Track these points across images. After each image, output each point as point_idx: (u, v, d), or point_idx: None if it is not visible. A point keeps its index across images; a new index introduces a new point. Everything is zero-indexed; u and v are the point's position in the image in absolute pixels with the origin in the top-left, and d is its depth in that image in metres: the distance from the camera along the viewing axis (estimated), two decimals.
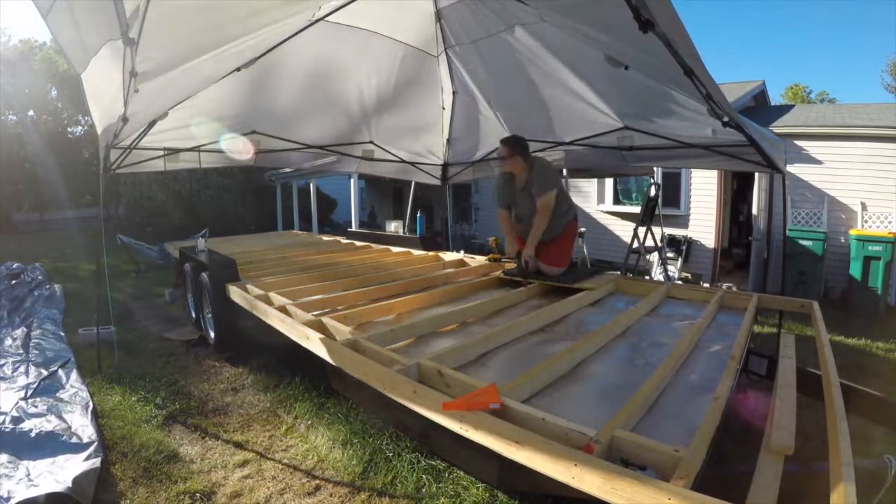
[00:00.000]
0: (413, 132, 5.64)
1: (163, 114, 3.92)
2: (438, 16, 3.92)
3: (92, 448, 2.70)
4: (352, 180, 11.54)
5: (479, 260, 4.96)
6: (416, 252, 5.70)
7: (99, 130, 3.47)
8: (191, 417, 3.28)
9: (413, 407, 1.87)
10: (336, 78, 4.54)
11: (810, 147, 7.37)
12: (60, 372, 3.77)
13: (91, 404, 3.26)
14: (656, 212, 6.76)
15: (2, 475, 2.43)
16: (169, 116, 3.99)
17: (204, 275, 4.25)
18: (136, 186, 14.08)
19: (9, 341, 4.49)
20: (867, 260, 6.34)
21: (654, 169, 7.52)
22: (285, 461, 2.78)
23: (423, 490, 2.46)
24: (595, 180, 9.27)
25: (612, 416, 1.66)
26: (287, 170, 10.86)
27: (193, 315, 5.02)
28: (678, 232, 8.39)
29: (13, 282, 6.62)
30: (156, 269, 8.81)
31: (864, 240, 6.38)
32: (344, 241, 7.04)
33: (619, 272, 5.41)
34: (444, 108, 5.21)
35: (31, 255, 9.40)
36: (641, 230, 6.53)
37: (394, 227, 10.44)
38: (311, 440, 2.98)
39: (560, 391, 2.08)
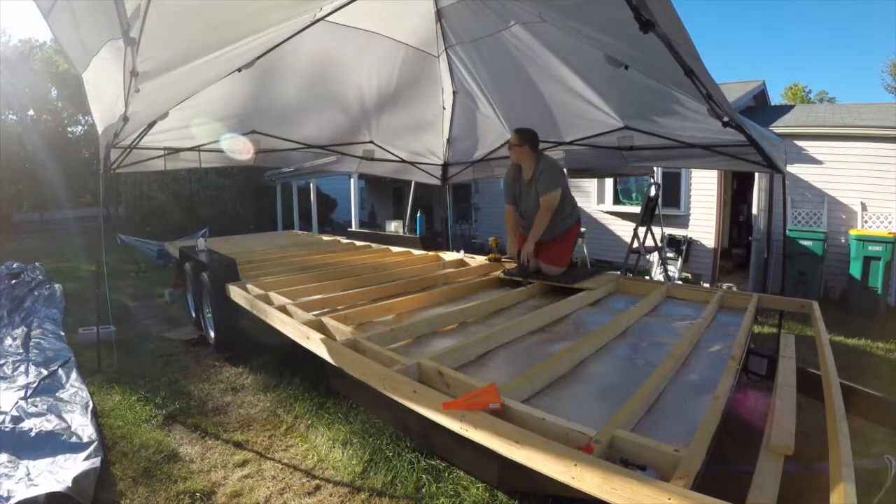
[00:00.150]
0: (413, 132, 5.64)
1: (163, 114, 3.92)
2: (439, 15, 3.92)
3: (92, 448, 2.70)
4: (352, 180, 11.54)
5: (479, 260, 4.96)
6: (416, 252, 5.70)
7: (99, 130, 3.47)
8: (191, 417, 3.28)
9: (413, 407, 1.86)
10: (336, 78, 4.54)
11: (810, 147, 7.37)
12: (60, 371, 3.77)
13: (91, 404, 3.26)
14: (656, 212, 6.76)
15: (2, 475, 2.43)
16: (169, 116, 3.99)
17: (204, 274, 4.25)
18: (136, 186, 14.09)
19: (9, 341, 4.49)
20: (867, 260, 6.34)
21: (654, 169, 7.52)
22: (285, 461, 2.78)
23: (423, 490, 2.46)
24: (595, 180, 9.27)
25: (612, 416, 1.66)
26: (287, 170, 10.86)
27: (193, 315, 5.02)
28: (678, 232, 8.39)
29: (13, 281, 6.62)
30: (156, 268, 8.81)
31: (864, 240, 6.38)
32: (344, 240, 7.05)
33: (619, 272, 5.41)
34: (444, 108, 5.21)
35: (31, 255, 9.40)
36: (641, 230, 6.53)
37: (394, 227, 10.44)
38: (311, 440, 2.99)
39: (560, 391, 2.08)
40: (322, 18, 3.53)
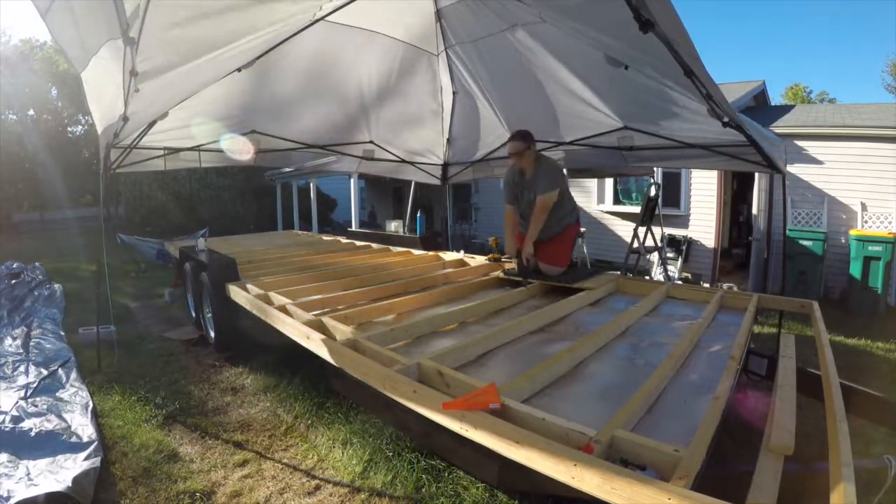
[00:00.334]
0: (413, 132, 5.63)
1: (163, 113, 3.92)
2: (438, 15, 3.92)
3: (92, 447, 2.70)
4: (352, 180, 11.54)
5: (479, 260, 4.96)
6: (416, 252, 5.70)
7: (99, 130, 3.47)
8: (191, 417, 3.28)
9: (413, 407, 1.86)
10: (336, 78, 4.54)
11: (810, 147, 7.36)
12: (60, 371, 3.77)
13: (91, 404, 3.26)
14: (656, 212, 6.76)
15: (2, 474, 2.43)
16: (169, 116, 3.99)
17: (204, 274, 4.25)
18: (136, 186, 14.09)
19: (9, 341, 4.49)
20: (867, 260, 6.34)
21: (654, 169, 7.52)
22: (285, 461, 2.78)
23: (423, 490, 2.46)
24: (595, 180, 9.27)
25: (612, 416, 1.66)
26: (287, 170, 10.86)
27: (193, 315, 5.02)
28: (678, 232, 8.39)
29: (13, 281, 6.62)
30: (156, 268, 8.81)
31: (864, 240, 6.38)
32: (344, 240, 7.04)
33: (619, 272, 5.41)
34: (444, 108, 5.21)
35: (31, 255, 9.40)
36: (641, 230, 6.53)
37: (394, 226, 10.45)
38: (311, 440, 2.99)
39: (560, 391, 2.08)
40: (322, 18, 3.53)
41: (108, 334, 4.45)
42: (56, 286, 6.67)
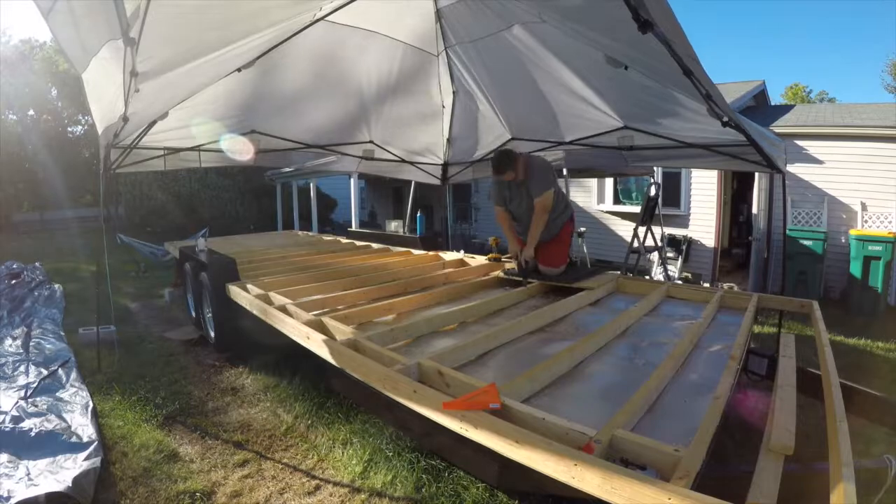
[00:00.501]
0: (413, 132, 5.63)
1: (163, 113, 3.92)
2: (438, 15, 3.91)
3: (92, 447, 2.70)
4: (352, 180, 11.53)
5: (479, 260, 4.96)
6: (416, 252, 5.70)
7: (99, 130, 3.47)
8: (191, 417, 3.28)
9: (413, 407, 1.87)
10: (336, 78, 4.54)
11: (810, 147, 7.36)
12: (60, 371, 3.77)
13: (91, 404, 3.26)
14: (656, 211, 6.76)
15: (2, 475, 2.43)
16: (169, 116, 3.99)
17: (204, 274, 4.26)
18: (135, 186, 14.07)
19: (9, 341, 4.49)
20: (867, 260, 6.34)
21: (654, 169, 7.52)
22: (285, 461, 2.78)
23: (423, 490, 2.46)
24: (595, 179, 9.27)
25: (612, 415, 1.67)
26: (287, 170, 10.85)
27: (193, 315, 5.02)
28: (678, 232, 8.39)
29: (13, 282, 6.62)
30: (156, 269, 8.81)
31: (864, 240, 6.38)
32: (344, 240, 7.05)
33: (619, 272, 5.41)
34: (444, 108, 5.21)
35: (31, 255, 9.40)
36: (641, 230, 6.53)
37: (394, 226, 10.45)
38: (311, 440, 2.99)
39: (560, 391, 2.08)
40: (322, 18, 3.53)
41: (108, 334, 4.45)
42: (56, 286, 6.67)
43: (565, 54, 3.61)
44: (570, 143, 4.84)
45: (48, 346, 4.37)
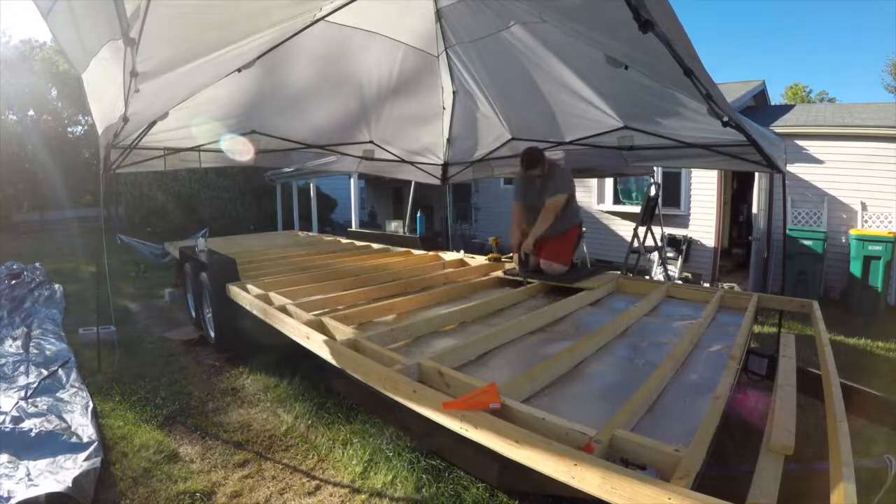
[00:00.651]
0: (413, 132, 5.64)
1: (163, 114, 3.92)
2: (439, 15, 3.91)
3: (92, 448, 2.70)
4: (352, 180, 11.53)
5: (479, 260, 4.96)
6: (416, 252, 5.70)
7: (99, 130, 3.47)
8: (191, 417, 3.28)
9: (413, 407, 1.87)
10: (336, 78, 4.54)
11: (810, 147, 7.36)
12: (60, 372, 3.77)
13: (91, 404, 3.26)
14: (656, 211, 6.76)
15: (2, 475, 2.43)
16: (169, 116, 3.99)
17: (204, 274, 4.26)
18: (135, 186, 14.07)
19: (9, 341, 4.49)
20: (867, 259, 6.34)
21: (655, 169, 7.52)
22: (285, 461, 2.78)
23: (423, 490, 2.46)
24: (595, 179, 9.27)
25: (612, 415, 1.67)
26: (287, 170, 10.85)
27: (193, 315, 5.02)
28: (678, 232, 8.39)
29: (13, 282, 6.62)
30: (156, 269, 8.81)
31: (865, 239, 6.38)
32: (344, 240, 7.05)
33: (619, 272, 5.41)
34: (444, 108, 5.21)
35: (31, 256, 9.41)
36: (641, 230, 6.53)
37: (394, 227, 10.44)
38: (311, 440, 2.99)
39: (560, 391, 2.08)
40: (322, 18, 3.53)
41: (108, 335, 4.45)
42: (56, 287, 6.67)
43: (565, 54, 3.61)
44: (570, 143, 4.84)
45: (48, 346, 4.37)
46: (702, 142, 3.90)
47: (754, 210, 7.88)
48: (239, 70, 3.60)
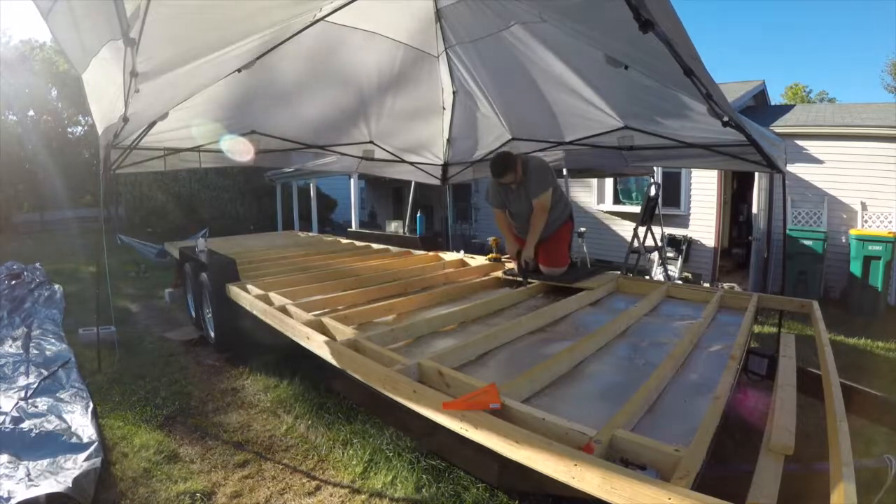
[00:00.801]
0: (413, 132, 5.64)
1: (163, 114, 3.92)
2: (438, 15, 3.92)
3: (92, 448, 2.70)
4: (352, 180, 11.54)
5: (479, 260, 4.96)
6: (416, 252, 5.70)
7: (99, 130, 3.47)
8: (191, 417, 3.28)
9: (413, 407, 1.87)
10: (336, 78, 4.54)
11: (811, 147, 7.36)
12: (60, 372, 3.77)
13: (91, 404, 3.26)
14: (656, 211, 6.76)
15: (2, 475, 2.43)
16: (169, 116, 4.00)
17: (204, 275, 4.26)
18: (135, 187, 14.08)
19: (9, 341, 4.49)
20: (867, 259, 6.34)
21: (655, 169, 7.52)
22: (285, 461, 2.78)
23: (423, 490, 2.46)
24: (595, 179, 9.27)
25: (612, 416, 1.67)
26: (287, 170, 10.86)
27: (193, 315, 5.02)
28: (678, 232, 8.39)
29: (13, 282, 6.62)
30: (156, 269, 8.81)
31: (865, 239, 6.38)
32: (344, 241, 7.05)
33: (619, 272, 5.41)
34: (444, 108, 5.21)
35: (31, 256, 9.41)
36: (641, 230, 6.53)
37: (394, 227, 10.44)
38: (311, 440, 2.99)
39: (560, 391, 2.08)
40: (322, 19, 3.53)
41: (108, 335, 4.45)
42: (56, 287, 6.67)
43: (565, 54, 3.62)
44: (571, 143, 4.84)
45: (48, 346, 4.37)
46: (702, 142, 3.90)
47: (754, 210, 7.88)
48: (239, 70, 3.61)
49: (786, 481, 1.40)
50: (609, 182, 9.29)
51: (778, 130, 7.25)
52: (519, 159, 3.69)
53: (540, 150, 5.09)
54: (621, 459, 1.47)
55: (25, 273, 7.10)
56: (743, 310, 3.15)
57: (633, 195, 9.24)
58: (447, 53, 4.41)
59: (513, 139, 5.25)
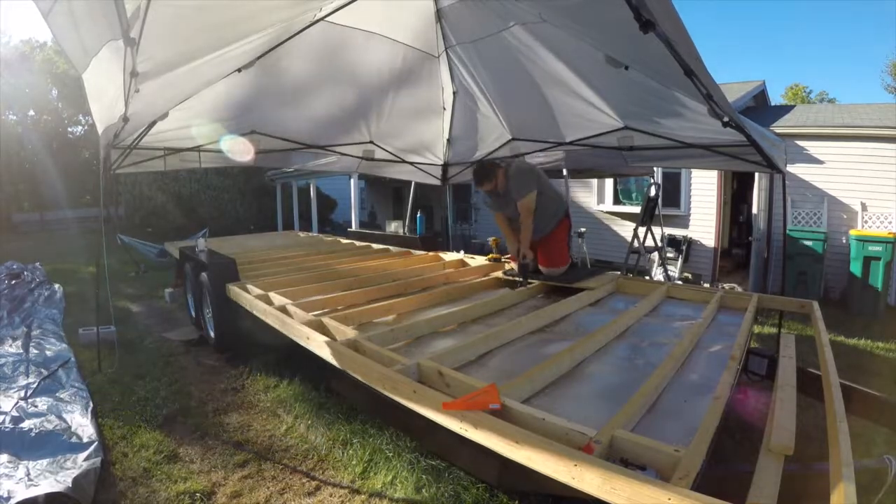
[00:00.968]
0: (413, 132, 5.63)
1: (163, 114, 3.92)
2: (439, 15, 3.91)
3: (92, 448, 2.70)
4: (352, 180, 11.54)
5: (479, 260, 4.96)
6: (416, 252, 5.71)
7: (99, 130, 3.47)
8: (191, 417, 3.28)
9: (413, 407, 1.87)
10: (335, 78, 4.54)
11: (811, 147, 7.36)
12: (60, 372, 3.77)
13: (91, 404, 3.26)
14: (656, 212, 6.76)
15: (2, 475, 2.43)
16: (169, 116, 3.99)
17: (204, 274, 4.26)
18: (135, 187, 14.08)
19: (9, 341, 4.49)
20: (867, 260, 6.34)
21: (654, 169, 7.52)
22: (285, 461, 2.78)
23: (423, 491, 2.46)
24: (595, 180, 9.27)
25: (612, 416, 1.67)
26: (287, 170, 10.87)
27: (193, 315, 5.02)
28: (678, 232, 8.39)
29: (13, 282, 6.62)
30: (156, 269, 8.81)
31: (865, 240, 6.38)
32: (344, 241, 7.05)
33: (619, 272, 5.41)
34: (444, 108, 5.21)
35: (31, 256, 9.40)
36: (641, 230, 6.53)
37: (394, 227, 10.43)
38: (311, 440, 2.98)
39: (560, 391, 2.08)
40: (322, 19, 3.53)
41: (108, 335, 4.45)
42: (56, 286, 6.67)
43: (565, 54, 3.61)
44: (570, 143, 4.83)
45: (48, 346, 4.37)
46: (702, 142, 3.89)
47: (754, 210, 7.88)
48: (239, 70, 3.61)
49: (786, 481, 1.40)
50: (609, 182, 9.29)
51: (778, 131, 7.25)
52: (499, 167, 3.83)
53: (540, 151, 5.09)
54: (621, 459, 1.47)
55: (25, 273, 7.10)
56: (743, 310, 3.15)
57: (633, 195, 9.24)
58: (447, 53, 4.40)
59: (513, 139, 5.24)
